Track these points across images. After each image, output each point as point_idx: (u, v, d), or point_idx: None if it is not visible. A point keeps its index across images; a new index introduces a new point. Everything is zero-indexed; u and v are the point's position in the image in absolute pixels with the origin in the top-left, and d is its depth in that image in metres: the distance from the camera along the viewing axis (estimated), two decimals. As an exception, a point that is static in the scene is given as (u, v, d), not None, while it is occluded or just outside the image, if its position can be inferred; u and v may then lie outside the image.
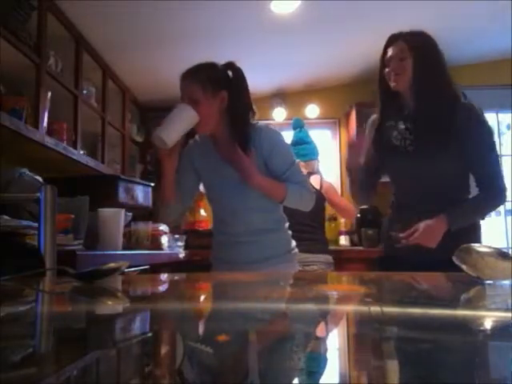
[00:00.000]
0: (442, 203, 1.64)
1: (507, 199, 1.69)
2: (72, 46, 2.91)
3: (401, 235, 1.61)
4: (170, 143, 1.63)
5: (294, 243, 1.89)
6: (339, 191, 4.33)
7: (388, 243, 1.80)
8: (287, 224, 1.88)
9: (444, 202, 1.64)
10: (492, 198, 1.66)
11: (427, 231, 1.57)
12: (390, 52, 1.69)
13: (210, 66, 1.72)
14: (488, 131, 1.67)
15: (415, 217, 1.63)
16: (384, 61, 1.71)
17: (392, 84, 1.66)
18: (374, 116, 1.81)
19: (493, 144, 1.69)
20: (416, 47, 1.66)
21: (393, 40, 1.70)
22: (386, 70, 1.68)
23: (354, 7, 3.04)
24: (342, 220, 4.07)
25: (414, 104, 1.67)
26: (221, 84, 1.69)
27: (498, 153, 1.75)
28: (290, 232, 1.88)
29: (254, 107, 1.76)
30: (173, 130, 1.64)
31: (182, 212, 1.90)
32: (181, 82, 1.71)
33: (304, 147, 3.30)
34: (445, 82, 1.65)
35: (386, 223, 1.86)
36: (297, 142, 3.32)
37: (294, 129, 3.48)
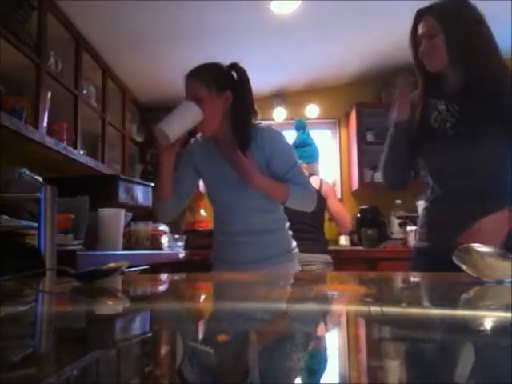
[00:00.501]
0: (487, 198, 1.45)
1: None
2: (72, 46, 2.91)
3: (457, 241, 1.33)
4: (173, 138, 1.65)
5: (294, 243, 1.89)
6: (339, 191, 4.34)
7: (423, 241, 1.62)
8: (287, 224, 1.88)
9: (490, 197, 1.45)
10: None
11: (488, 231, 1.34)
12: (419, 30, 1.51)
13: (216, 66, 1.73)
14: None
15: (456, 213, 1.47)
16: (415, 40, 1.54)
17: (427, 65, 1.52)
18: (415, 92, 1.64)
19: None
20: (447, 19, 1.46)
21: (421, 15, 1.52)
22: (419, 49, 1.52)
23: (353, 7, 3.04)
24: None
25: (455, 83, 1.49)
26: (226, 84, 1.69)
27: None
28: (290, 232, 1.88)
29: (256, 108, 1.76)
30: (176, 126, 1.65)
31: (178, 208, 1.89)
32: (186, 80, 1.72)
33: (306, 149, 3.31)
34: (488, 54, 1.49)
35: (422, 219, 1.64)
36: (299, 144, 3.32)
37: (297, 130, 3.47)
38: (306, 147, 3.32)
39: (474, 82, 1.44)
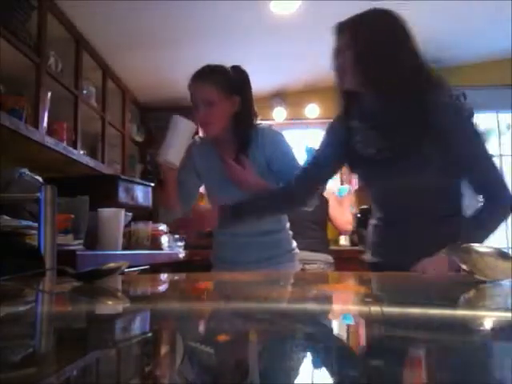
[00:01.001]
0: (427, 220, 1.36)
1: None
2: (72, 46, 2.91)
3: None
4: (178, 162, 1.65)
5: (294, 243, 1.89)
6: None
7: (375, 257, 1.53)
8: (288, 224, 1.88)
9: (430, 219, 1.37)
10: (503, 207, 1.34)
11: (432, 270, 1.23)
12: (336, 45, 1.40)
13: (223, 69, 1.71)
14: (477, 131, 1.36)
15: (399, 234, 1.39)
16: (333, 56, 1.42)
17: (336, 83, 1.40)
18: (336, 116, 1.54)
19: (485, 144, 1.35)
20: (359, 34, 1.33)
21: (337, 30, 1.39)
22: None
23: (353, 7, 3.04)
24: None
25: (370, 103, 1.36)
26: (233, 87, 1.68)
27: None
28: (290, 232, 1.88)
29: (256, 109, 1.76)
30: (177, 149, 1.64)
31: (185, 211, 1.90)
32: (194, 83, 1.69)
33: None
34: (404, 72, 1.31)
35: (371, 236, 1.54)
36: None
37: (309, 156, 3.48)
38: None
39: (389, 104, 1.32)
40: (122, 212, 2.12)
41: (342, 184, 4.11)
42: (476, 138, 1.32)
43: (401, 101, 1.30)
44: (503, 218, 1.36)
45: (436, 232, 1.32)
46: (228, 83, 1.67)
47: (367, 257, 1.56)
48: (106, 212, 2.05)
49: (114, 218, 2.07)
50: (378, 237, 1.51)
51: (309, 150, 3.53)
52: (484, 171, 1.31)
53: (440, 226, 1.34)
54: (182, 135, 1.62)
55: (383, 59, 1.30)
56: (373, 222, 1.54)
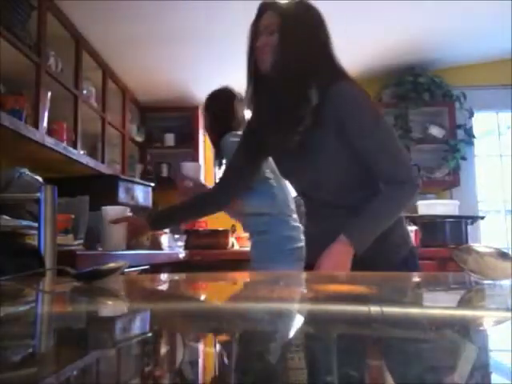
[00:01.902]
0: (342, 204, 1.36)
1: (416, 191, 1.32)
2: (72, 46, 2.91)
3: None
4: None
5: (297, 242, 1.94)
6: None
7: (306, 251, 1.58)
8: (289, 223, 1.93)
9: (345, 202, 1.36)
10: (395, 192, 1.31)
11: (330, 268, 1.23)
12: (260, 24, 1.39)
13: None
14: (373, 116, 1.34)
15: (323, 221, 1.40)
16: (254, 33, 1.41)
17: (259, 61, 1.39)
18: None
19: (383, 130, 1.33)
20: (288, 19, 1.33)
21: (265, 8, 1.38)
22: (256, 44, 1.39)
23: (353, 7, 3.04)
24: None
25: (277, 91, 1.35)
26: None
27: (394, 136, 1.37)
28: (293, 231, 1.93)
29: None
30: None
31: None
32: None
33: None
34: (316, 62, 1.34)
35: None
36: None
37: None
38: None
39: (290, 92, 1.32)
40: (127, 210, 2.11)
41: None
42: (375, 129, 1.31)
43: (303, 89, 1.31)
44: (400, 199, 1.33)
45: (349, 215, 1.30)
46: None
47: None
48: (111, 210, 2.03)
49: (120, 216, 2.03)
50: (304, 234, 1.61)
51: None
52: (380, 157, 1.30)
53: (348, 217, 1.31)
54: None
55: (302, 47, 1.33)
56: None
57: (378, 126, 1.31)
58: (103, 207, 2.03)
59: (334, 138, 1.30)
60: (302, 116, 1.30)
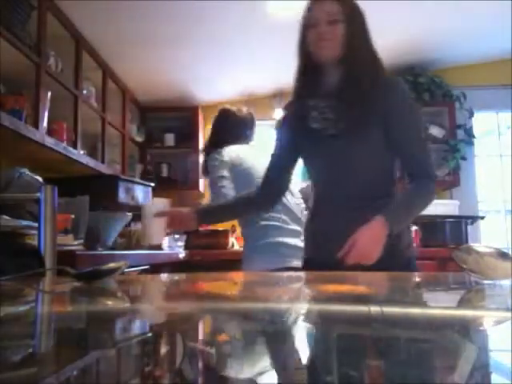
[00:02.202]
0: (365, 199, 1.40)
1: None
2: (72, 46, 2.91)
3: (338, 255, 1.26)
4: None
5: (269, 238, 2.10)
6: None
7: (310, 245, 1.58)
8: (259, 222, 2.09)
9: (368, 198, 1.40)
10: (426, 187, 1.40)
11: (365, 244, 1.26)
12: (316, 13, 1.38)
13: None
14: (417, 112, 1.45)
15: (339, 216, 1.41)
16: (307, 24, 1.41)
17: (319, 52, 1.37)
18: (288, 102, 1.57)
19: (422, 126, 1.45)
20: (350, 10, 1.38)
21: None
22: (311, 34, 1.39)
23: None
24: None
25: (334, 80, 1.39)
26: None
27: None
28: (265, 228, 2.10)
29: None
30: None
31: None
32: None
33: None
34: (374, 54, 1.42)
35: (308, 225, 1.59)
36: None
37: None
38: None
39: (355, 81, 1.37)
40: (169, 202, 2.10)
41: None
42: (418, 123, 1.44)
43: (366, 80, 1.37)
44: (430, 194, 1.43)
45: (366, 213, 1.33)
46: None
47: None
48: (153, 203, 1.99)
49: (162, 209, 1.95)
50: (313, 230, 1.54)
51: None
52: (417, 151, 1.40)
53: (371, 207, 1.35)
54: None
55: (365, 39, 1.41)
56: (309, 216, 1.58)
57: (421, 122, 1.44)
58: (144, 204, 1.98)
59: (375, 126, 1.37)
60: (367, 103, 1.36)
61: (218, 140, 2.28)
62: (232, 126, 2.32)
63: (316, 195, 1.53)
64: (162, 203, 2.01)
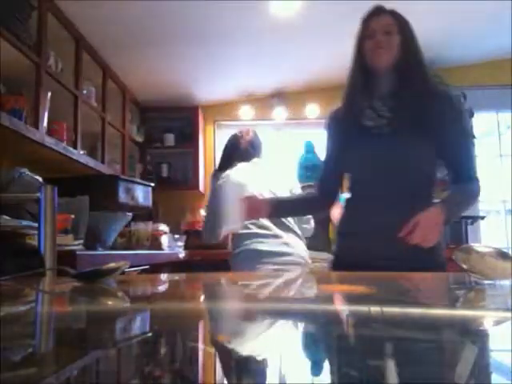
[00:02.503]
0: (405, 200, 1.46)
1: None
2: (72, 46, 2.91)
3: (400, 235, 1.33)
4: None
5: (243, 245, 2.29)
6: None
7: (342, 243, 1.64)
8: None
9: (408, 199, 1.46)
10: (476, 188, 1.51)
11: (427, 226, 1.33)
12: (373, 25, 1.54)
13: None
14: (466, 118, 1.61)
15: (377, 216, 1.46)
16: (364, 35, 1.55)
17: (376, 59, 1.51)
18: (339, 105, 1.66)
19: (470, 132, 1.60)
20: (402, 22, 1.54)
21: (377, 12, 1.56)
22: (368, 44, 1.53)
23: (353, 7, 3.04)
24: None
25: (390, 83, 1.52)
26: None
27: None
28: (241, 233, 2.27)
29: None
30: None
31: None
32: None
33: (317, 172, 3.35)
34: (423, 61, 1.55)
35: (342, 224, 1.65)
36: (309, 167, 3.35)
37: (307, 152, 3.48)
38: (315, 171, 3.37)
39: (409, 84, 1.49)
40: (246, 187, 2.10)
41: (342, 192, 4.13)
42: (467, 129, 1.59)
43: (418, 83, 1.49)
44: (477, 194, 1.54)
45: (404, 214, 1.37)
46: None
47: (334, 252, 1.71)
48: (233, 186, 1.97)
49: (240, 193, 1.91)
50: (351, 224, 1.57)
51: (307, 144, 3.53)
52: (466, 156, 1.54)
53: (410, 208, 1.39)
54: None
55: (415, 48, 1.54)
56: (345, 212, 1.63)
57: (470, 127, 1.59)
58: (222, 184, 1.95)
59: (426, 128, 1.46)
60: (419, 105, 1.47)
61: (222, 164, 2.56)
62: (236, 149, 2.57)
63: (353, 195, 1.58)
64: (239, 186, 2.03)
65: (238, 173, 2.52)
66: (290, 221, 2.44)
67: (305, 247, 2.55)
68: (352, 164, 1.59)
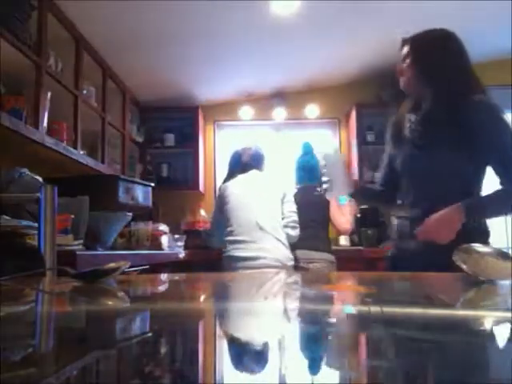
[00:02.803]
0: (442, 204, 1.54)
1: None
2: (72, 46, 2.91)
3: (415, 232, 1.53)
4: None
5: (225, 252, 2.78)
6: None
7: (397, 244, 1.78)
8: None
9: (444, 203, 1.53)
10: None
11: (437, 224, 1.48)
12: (400, 53, 1.77)
13: None
14: (505, 129, 1.60)
15: (416, 216, 1.58)
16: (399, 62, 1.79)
17: (400, 83, 1.74)
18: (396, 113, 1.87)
19: (509, 141, 1.62)
20: (415, 49, 1.71)
21: (401, 44, 1.78)
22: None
23: (353, 7, 3.04)
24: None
25: (424, 100, 1.68)
26: None
27: None
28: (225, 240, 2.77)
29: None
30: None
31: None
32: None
33: (315, 173, 3.36)
34: (448, 79, 1.66)
35: (398, 223, 1.79)
36: (308, 168, 3.36)
37: (305, 153, 3.48)
38: (312, 172, 3.37)
39: (437, 102, 1.62)
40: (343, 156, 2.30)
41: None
42: (504, 131, 1.58)
43: (444, 103, 1.61)
44: None
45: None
46: None
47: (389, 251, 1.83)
48: (336, 154, 2.03)
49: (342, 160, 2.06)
50: (402, 228, 1.72)
51: (305, 146, 3.53)
52: (506, 164, 1.55)
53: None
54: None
55: (433, 69, 1.67)
56: (399, 214, 1.77)
57: (509, 137, 1.58)
58: (328, 153, 2.07)
59: (458, 142, 1.56)
60: (460, 122, 1.57)
61: (226, 178, 3.03)
62: (238, 162, 3.00)
63: (408, 197, 1.73)
64: (342, 156, 2.20)
65: (235, 184, 2.88)
66: (274, 226, 2.77)
67: (286, 251, 2.79)
68: (396, 170, 1.76)
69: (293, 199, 2.98)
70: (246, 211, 2.79)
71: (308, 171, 3.32)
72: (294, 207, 2.93)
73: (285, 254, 2.79)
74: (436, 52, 1.70)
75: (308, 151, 3.46)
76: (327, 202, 3.18)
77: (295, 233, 2.85)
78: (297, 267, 2.88)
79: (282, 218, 2.86)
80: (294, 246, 2.92)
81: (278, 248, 2.77)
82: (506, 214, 1.66)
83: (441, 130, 1.58)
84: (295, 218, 2.88)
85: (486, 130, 1.56)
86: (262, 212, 2.80)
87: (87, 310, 0.64)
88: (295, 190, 3.24)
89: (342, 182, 1.85)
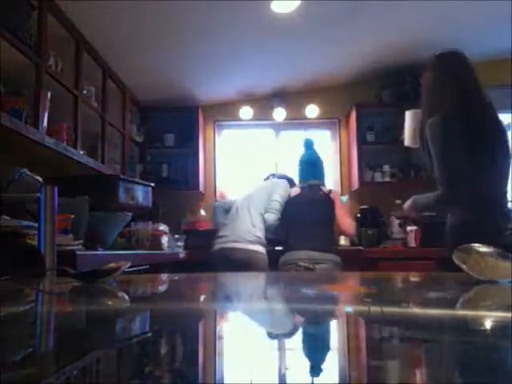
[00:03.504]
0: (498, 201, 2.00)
1: None
2: (72, 46, 2.91)
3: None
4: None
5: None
6: (339, 189, 4.34)
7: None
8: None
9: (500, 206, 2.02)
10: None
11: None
12: None
13: None
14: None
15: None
16: None
17: None
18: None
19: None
20: (423, 81, 2.19)
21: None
22: None
23: (353, 7, 3.04)
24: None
25: None
26: None
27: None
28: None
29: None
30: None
31: None
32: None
33: (317, 169, 3.37)
34: (438, 99, 2.13)
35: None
36: (310, 163, 3.37)
37: (307, 149, 3.49)
38: (316, 167, 3.38)
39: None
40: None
41: (342, 193, 4.14)
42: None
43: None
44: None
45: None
46: None
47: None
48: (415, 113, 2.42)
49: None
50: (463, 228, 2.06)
51: (307, 142, 3.53)
52: None
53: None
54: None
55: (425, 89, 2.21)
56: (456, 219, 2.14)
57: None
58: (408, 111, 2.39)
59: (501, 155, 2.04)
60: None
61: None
62: None
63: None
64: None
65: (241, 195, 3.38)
66: (250, 210, 3.17)
67: (256, 230, 3.10)
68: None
69: (282, 192, 3.23)
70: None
71: (311, 165, 3.33)
72: (278, 197, 3.19)
73: (252, 232, 3.12)
74: (429, 72, 2.18)
75: (310, 146, 3.47)
76: (332, 202, 3.18)
77: (271, 218, 3.15)
78: (302, 268, 2.89)
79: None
80: (298, 247, 2.93)
81: (249, 229, 3.13)
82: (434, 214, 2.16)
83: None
84: (277, 205, 3.18)
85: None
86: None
87: (87, 310, 0.64)
88: (299, 190, 3.25)
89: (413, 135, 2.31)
